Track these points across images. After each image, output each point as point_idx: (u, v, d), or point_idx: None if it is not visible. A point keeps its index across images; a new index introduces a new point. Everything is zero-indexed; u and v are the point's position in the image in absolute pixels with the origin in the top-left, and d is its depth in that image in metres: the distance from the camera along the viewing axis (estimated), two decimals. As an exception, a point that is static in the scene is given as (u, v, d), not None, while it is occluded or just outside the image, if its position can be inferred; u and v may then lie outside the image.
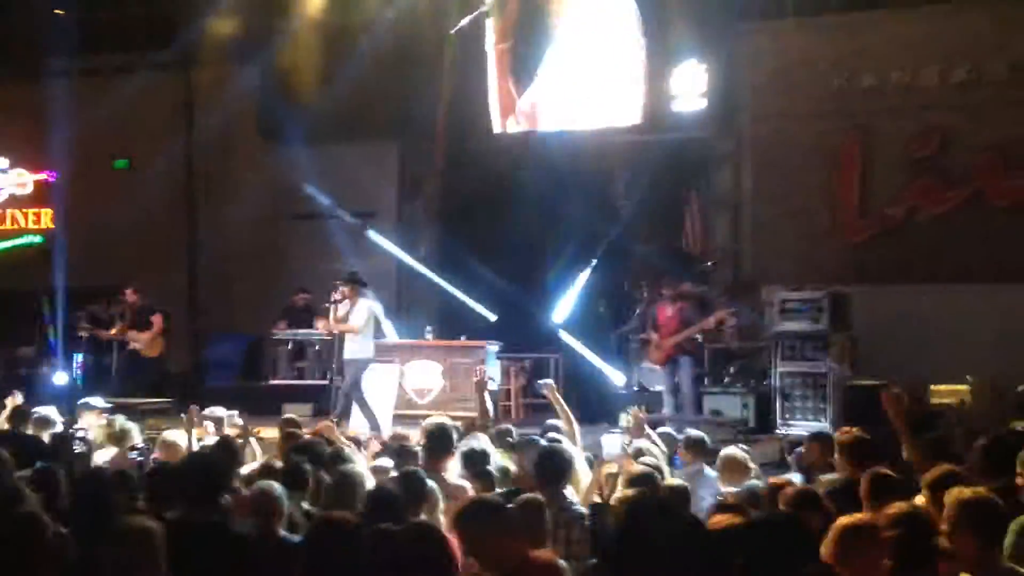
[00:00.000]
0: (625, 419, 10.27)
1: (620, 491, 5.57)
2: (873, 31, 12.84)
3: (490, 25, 14.08)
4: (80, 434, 7.78)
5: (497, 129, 14.24)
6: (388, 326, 11.98)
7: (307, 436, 7.27)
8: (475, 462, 6.12)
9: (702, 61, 13.20)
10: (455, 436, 6.53)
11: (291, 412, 10.75)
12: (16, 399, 8.73)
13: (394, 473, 5.85)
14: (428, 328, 12.82)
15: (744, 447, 7.28)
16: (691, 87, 13.25)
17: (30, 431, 8.13)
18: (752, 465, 6.78)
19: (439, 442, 6.35)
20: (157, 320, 12.29)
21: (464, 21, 13.92)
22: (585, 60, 13.81)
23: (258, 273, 14.90)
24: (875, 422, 7.51)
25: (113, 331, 12.46)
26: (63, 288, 13.53)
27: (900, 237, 12.41)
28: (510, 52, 14.09)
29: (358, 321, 10.55)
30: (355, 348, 10.59)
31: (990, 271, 11.66)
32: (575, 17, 13.91)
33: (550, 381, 8.09)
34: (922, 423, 7.46)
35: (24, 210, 16.22)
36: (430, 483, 5.30)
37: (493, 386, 11.54)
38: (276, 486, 4.73)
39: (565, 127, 14.01)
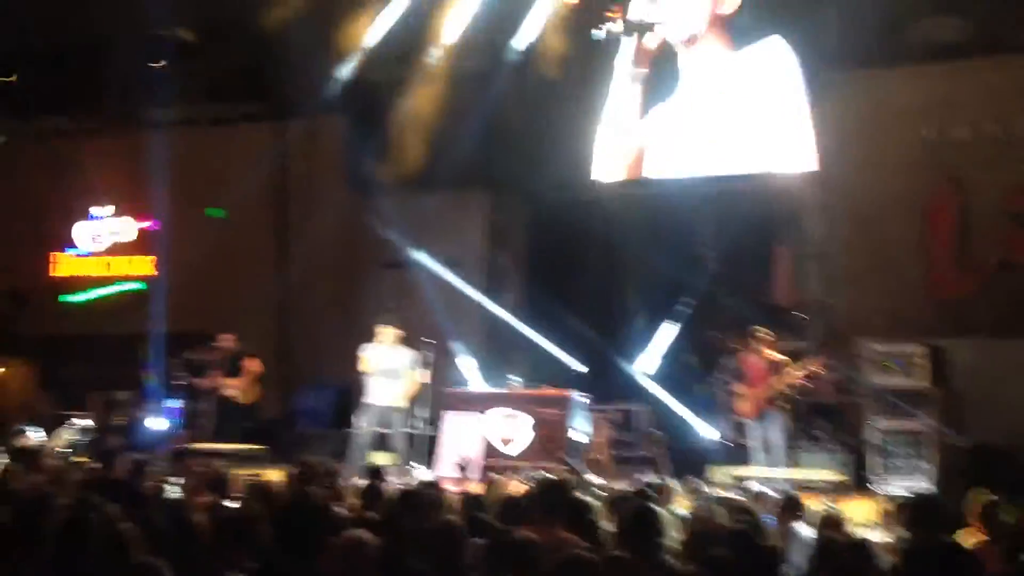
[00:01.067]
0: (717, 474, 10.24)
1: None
2: (963, 81, 12.67)
3: (631, 43, 13.67)
4: (176, 481, 7.98)
5: (600, 177, 14.11)
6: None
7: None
8: (579, 514, 6.06)
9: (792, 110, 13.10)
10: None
11: (377, 460, 10.92)
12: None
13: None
14: (515, 376, 12.82)
15: (834, 506, 7.18)
16: (782, 137, 13.15)
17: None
18: (849, 524, 6.67)
19: (551, 497, 6.23)
20: (251, 366, 12.50)
21: (604, 29, 13.57)
22: (716, 110, 13.51)
23: (345, 321, 15.11)
24: (975, 484, 7.37)
25: (208, 381, 12.73)
26: (162, 334, 13.87)
27: (996, 291, 12.13)
28: (644, 83, 13.78)
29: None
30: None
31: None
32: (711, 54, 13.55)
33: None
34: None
35: (125, 257, 16.69)
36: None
37: (582, 438, 11.54)
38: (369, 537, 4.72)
39: (668, 175, 13.80)
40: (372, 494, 7.25)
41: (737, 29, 13.24)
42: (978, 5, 12.41)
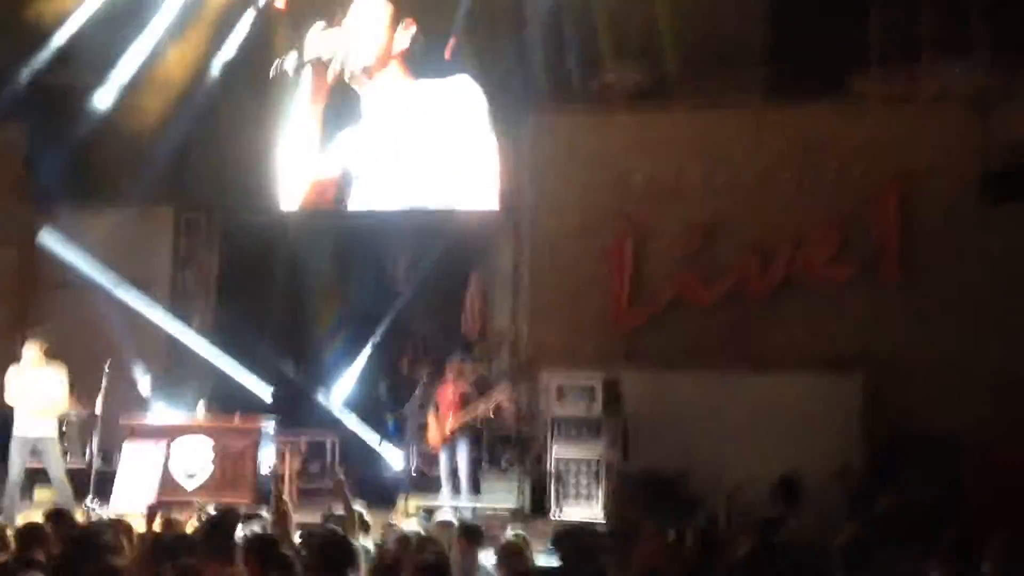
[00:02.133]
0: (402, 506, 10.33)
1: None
2: (642, 127, 13.49)
3: (308, 75, 13.60)
4: None
5: (287, 205, 13.91)
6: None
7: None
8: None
9: (486, 143, 13.49)
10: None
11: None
12: None
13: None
14: (200, 404, 12.35)
15: (521, 533, 7.39)
16: (477, 169, 13.52)
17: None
18: (529, 553, 6.90)
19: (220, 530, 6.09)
20: None
21: (285, 62, 13.43)
22: (403, 142, 13.66)
23: (18, 347, 13.87)
24: (647, 508, 7.89)
25: None
26: None
27: (667, 327, 13.00)
28: (322, 116, 13.73)
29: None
30: None
31: (746, 359, 12.40)
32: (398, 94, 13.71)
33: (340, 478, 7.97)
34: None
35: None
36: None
37: (265, 469, 11.27)
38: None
39: (363, 207, 13.77)
40: (32, 538, 6.66)
41: (421, 64, 13.52)
42: (654, 55, 13.25)
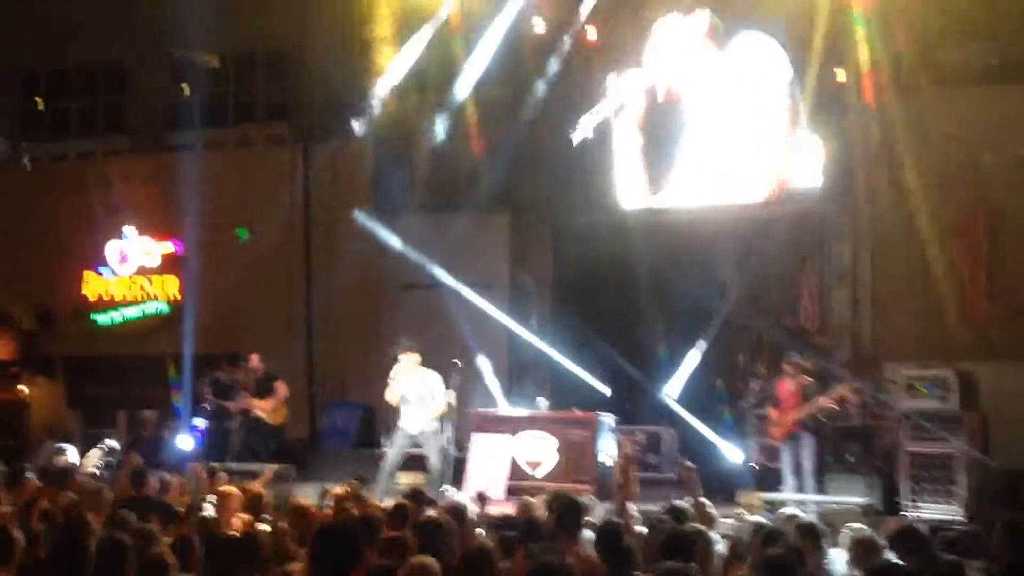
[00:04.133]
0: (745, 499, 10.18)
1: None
2: (990, 104, 12.65)
3: (617, 126, 14.21)
4: (209, 499, 7.99)
5: (624, 204, 14.27)
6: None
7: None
8: (608, 538, 6.05)
9: (815, 132, 13.14)
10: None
11: (406, 481, 10.94)
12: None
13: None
14: (540, 398, 12.83)
15: (868, 529, 7.08)
16: (806, 160, 13.18)
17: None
18: (883, 544, 6.60)
19: (570, 517, 6.26)
20: (280, 388, 12.50)
21: (587, 125, 14.14)
22: (723, 136, 13.75)
23: (369, 342, 15.11)
24: (1007, 509, 7.31)
25: (237, 402, 12.75)
26: (189, 355, 13.91)
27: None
28: (643, 148, 14.16)
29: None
30: None
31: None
32: (715, 92, 13.81)
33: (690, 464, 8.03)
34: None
35: (151, 277, 16.77)
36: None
37: (607, 459, 11.51)
38: (434, 564, 4.72)
39: (695, 204, 13.95)
40: (400, 516, 7.19)
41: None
42: (998, 34, 12.38)
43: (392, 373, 11.18)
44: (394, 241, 14.59)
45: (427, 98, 14.92)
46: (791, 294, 13.67)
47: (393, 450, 11.07)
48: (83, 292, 16.70)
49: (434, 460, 10.93)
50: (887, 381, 11.13)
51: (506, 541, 6.18)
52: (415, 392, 11.03)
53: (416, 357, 11.16)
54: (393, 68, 14.72)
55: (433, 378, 11.13)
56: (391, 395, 11.12)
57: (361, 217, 14.75)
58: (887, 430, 10.93)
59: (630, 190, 14.17)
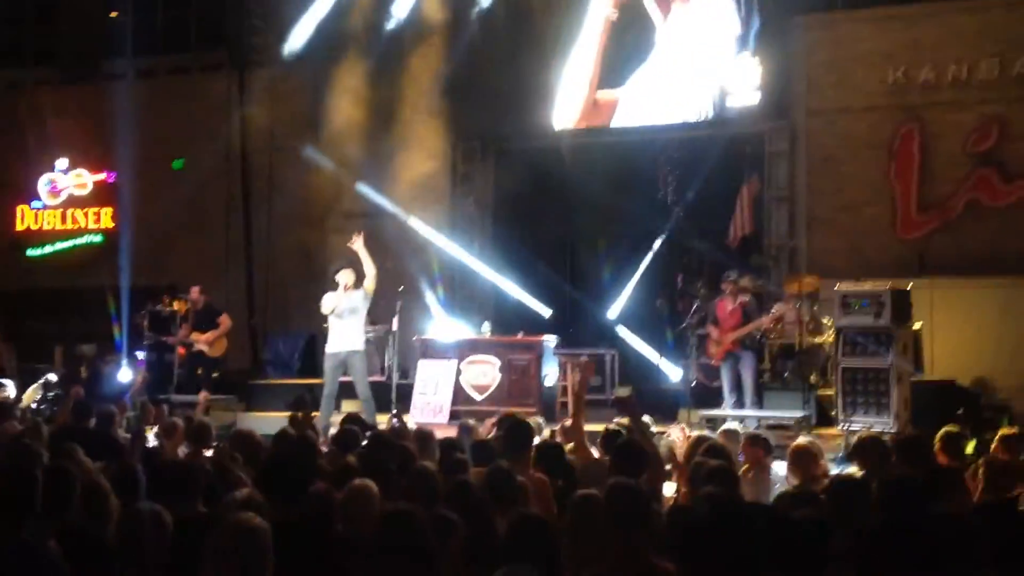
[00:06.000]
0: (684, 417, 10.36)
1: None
2: (928, 23, 12.76)
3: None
4: (152, 430, 7.96)
5: (561, 125, 14.21)
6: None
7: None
8: (549, 457, 6.13)
9: (755, 54, 13.16)
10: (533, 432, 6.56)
11: (349, 409, 10.91)
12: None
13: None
14: (485, 323, 12.88)
15: (814, 440, 7.26)
16: (745, 81, 13.22)
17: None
18: (823, 457, 6.77)
19: (520, 437, 6.31)
20: (224, 320, 12.39)
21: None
22: (669, 58, 13.74)
23: (310, 272, 14.99)
24: (939, 420, 7.53)
25: (178, 337, 12.61)
26: (126, 287, 13.71)
27: (959, 231, 12.29)
28: (609, 35, 13.93)
29: None
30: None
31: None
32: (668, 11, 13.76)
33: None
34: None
35: (84, 210, 16.45)
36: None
37: (551, 382, 11.63)
38: (373, 486, 4.74)
39: (635, 123, 13.96)
40: (347, 440, 7.22)
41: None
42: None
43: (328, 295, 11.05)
44: (336, 170, 14.41)
45: (368, 19, 14.61)
46: (731, 214, 13.76)
47: (327, 378, 10.88)
48: (16, 227, 16.36)
49: (362, 388, 10.78)
50: (823, 299, 11.29)
51: (456, 464, 6.24)
52: (345, 306, 10.85)
53: (351, 274, 10.98)
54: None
55: (358, 294, 10.90)
56: (325, 306, 10.88)
57: (305, 149, 14.52)
58: (822, 347, 11.14)
59: (570, 110, 14.11)
